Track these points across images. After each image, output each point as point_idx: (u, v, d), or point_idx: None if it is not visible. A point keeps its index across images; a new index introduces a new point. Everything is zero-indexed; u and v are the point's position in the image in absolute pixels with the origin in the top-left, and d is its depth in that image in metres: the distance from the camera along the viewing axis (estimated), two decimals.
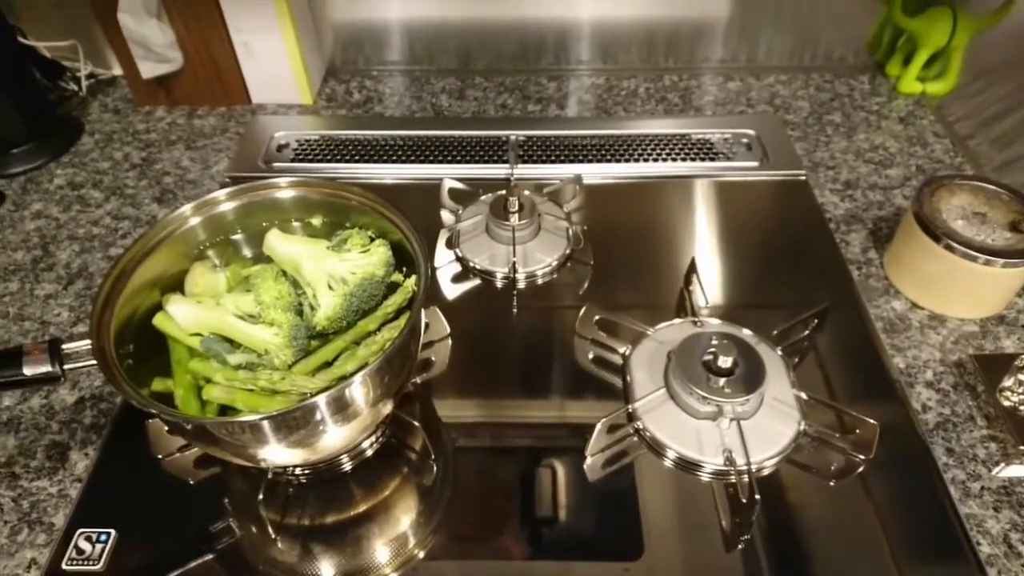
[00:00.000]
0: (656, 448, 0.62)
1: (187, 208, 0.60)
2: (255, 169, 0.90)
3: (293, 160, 0.92)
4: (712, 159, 0.91)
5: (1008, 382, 0.64)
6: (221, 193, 0.61)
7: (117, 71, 1.06)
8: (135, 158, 0.94)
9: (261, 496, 0.55)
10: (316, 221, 0.64)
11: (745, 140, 0.93)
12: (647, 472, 0.60)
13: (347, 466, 0.61)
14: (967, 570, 0.54)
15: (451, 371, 0.69)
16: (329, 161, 0.92)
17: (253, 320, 0.54)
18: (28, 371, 0.48)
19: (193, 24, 0.93)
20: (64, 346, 0.51)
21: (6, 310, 0.76)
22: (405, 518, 0.58)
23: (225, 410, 0.53)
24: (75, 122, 0.99)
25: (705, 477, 0.60)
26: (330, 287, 0.57)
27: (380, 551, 0.56)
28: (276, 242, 0.58)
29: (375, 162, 0.91)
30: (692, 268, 0.73)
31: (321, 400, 0.47)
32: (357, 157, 0.92)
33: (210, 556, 0.56)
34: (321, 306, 0.56)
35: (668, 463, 0.61)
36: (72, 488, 0.61)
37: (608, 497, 0.59)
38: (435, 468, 0.61)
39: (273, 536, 0.57)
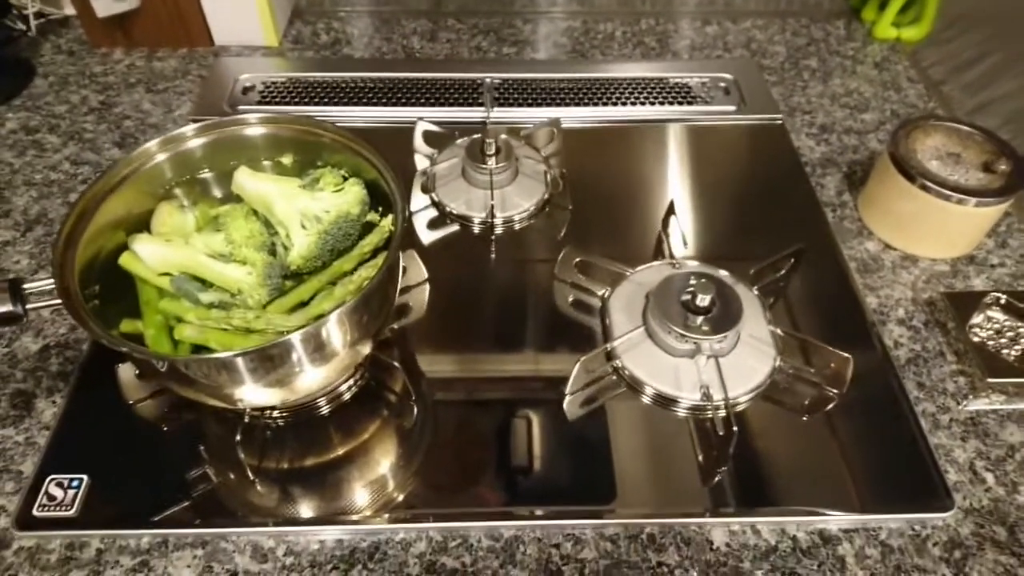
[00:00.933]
0: (634, 386, 0.62)
1: (153, 144, 0.57)
2: (220, 112, 0.87)
3: (259, 103, 0.88)
4: (690, 103, 0.90)
5: (977, 319, 0.66)
6: (188, 129, 0.58)
7: (69, 10, 1.01)
8: (93, 101, 0.90)
9: (238, 437, 0.54)
10: (287, 160, 0.62)
11: (723, 84, 0.92)
12: (626, 410, 0.61)
13: (325, 409, 0.61)
14: (936, 496, 0.56)
15: (429, 316, 0.68)
16: (297, 103, 0.89)
17: (225, 259, 0.53)
18: None
19: None
20: (26, 285, 0.48)
21: None
22: (384, 461, 0.58)
23: (199, 350, 0.51)
24: (26, 64, 0.94)
25: (682, 413, 0.61)
26: (303, 226, 0.55)
27: (359, 494, 0.56)
28: (246, 180, 0.56)
29: (345, 104, 0.89)
30: (670, 211, 0.73)
31: (297, 337, 0.46)
32: (326, 99, 0.89)
33: (186, 502, 0.55)
34: (295, 245, 0.54)
35: (646, 400, 0.61)
36: (40, 436, 0.59)
37: (587, 436, 0.59)
38: (415, 410, 0.61)
39: (251, 479, 0.56)
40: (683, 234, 0.72)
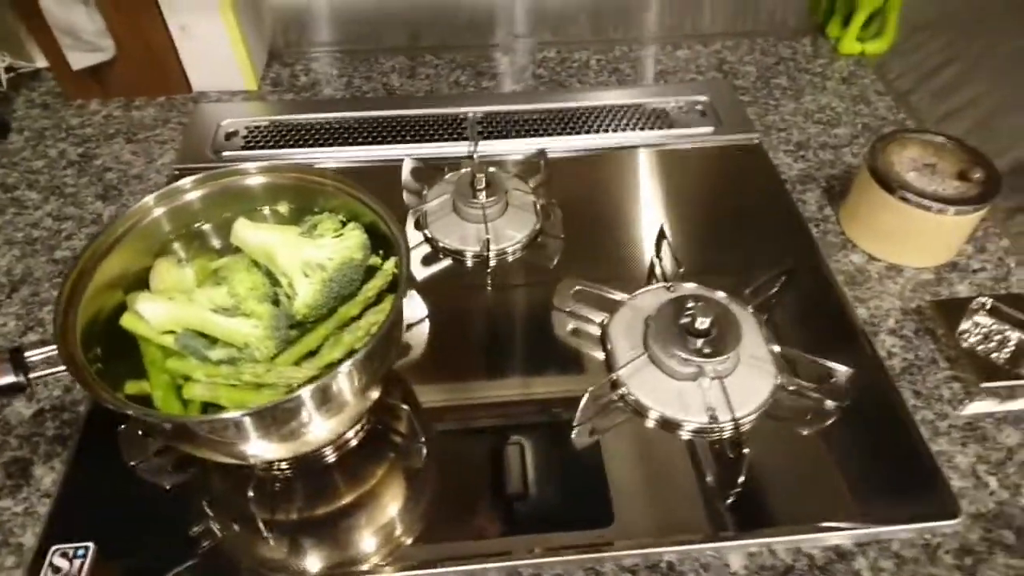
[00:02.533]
0: (640, 412, 0.62)
1: (150, 199, 0.57)
2: (204, 159, 0.86)
3: (244, 148, 0.88)
4: (669, 127, 0.92)
5: (965, 324, 0.68)
6: (186, 181, 0.58)
7: (41, 63, 1.00)
8: (71, 155, 0.89)
9: (251, 494, 0.53)
10: (283, 208, 0.62)
11: (699, 107, 0.95)
12: (633, 437, 0.61)
13: (331, 457, 0.60)
14: (943, 503, 0.57)
15: (431, 353, 0.68)
16: (281, 147, 0.89)
17: (229, 313, 0.52)
18: None
19: (125, 7, 0.88)
20: (27, 353, 0.47)
21: None
22: (393, 505, 0.57)
23: (209, 408, 0.51)
24: None
25: (689, 436, 0.61)
26: (306, 274, 0.55)
27: (369, 542, 0.55)
28: (246, 231, 0.56)
29: (329, 145, 0.89)
30: (661, 235, 0.74)
31: (308, 392, 0.46)
32: (310, 141, 0.89)
33: (194, 560, 0.54)
34: (299, 294, 0.54)
35: (652, 425, 0.62)
36: (40, 505, 0.58)
37: (596, 464, 0.59)
38: (422, 450, 0.61)
39: (263, 534, 0.55)
40: (674, 258, 0.73)
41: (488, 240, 0.74)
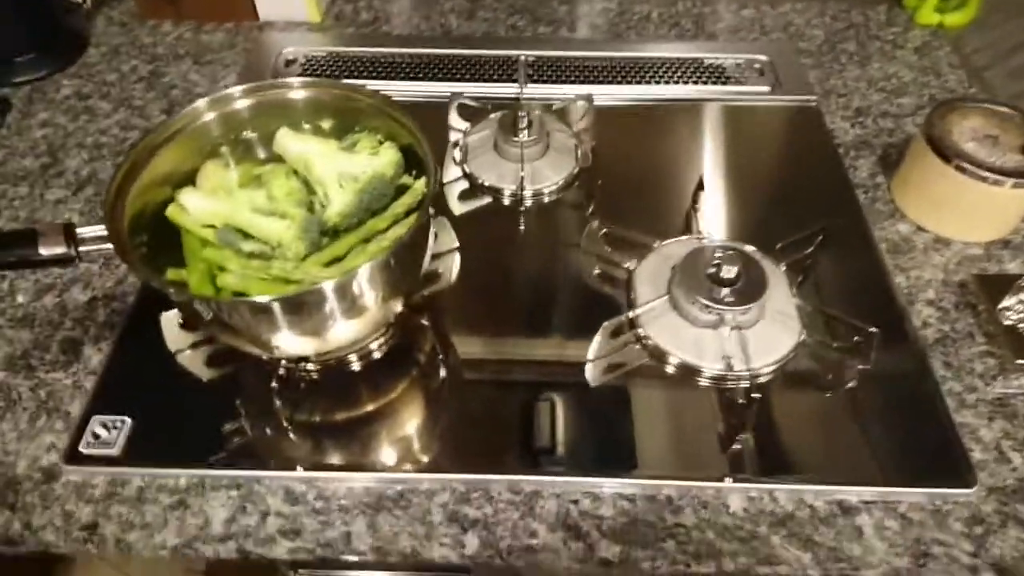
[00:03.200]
0: (657, 355, 0.63)
1: (201, 103, 0.60)
2: None
3: (301, 75, 0.91)
4: (723, 83, 0.90)
5: (1009, 301, 0.65)
6: (236, 90, 0.61)
7: None
8: (142, 71, 0.94)
9: (274, 385, 0.57)
10: (326, 124, 0.64)
11: (757, 65, 0.92)
12: (647, 378, 0.62)
13: (356, 365, 0.63)
14: (958, 473, 0.56)
15: (459, 283, 0.70)
16: (337, 76, 0.91)
17: (266, 214, 0.55)
18: (44, 251, 0.49)
19: None
20: (79, 230, 0.51)
21: (16, 213, 0.76)
22: (411, 417, 0.60)
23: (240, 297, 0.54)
24: (81, 34, 0.98)
25: (704, 382, 0.61)
26: (340, 185, 0.57)
27: (387, 447, 0.58)
28: (287, 141, 0.59)
29: (383, 79, 0.91)
30: (699, 186, 0.74)
31: (330, 286, 0.48)
32: (365, 73, 0.91)
33: (223, 446, 0.58)
34: (332, 202, 0.57)
35: (668, 369, 0.62)
36: (87, 380, 0.62)
37: (608, 402, 0.60)
38: (442, 370, 0.63)
39: (285, 426, 0.58)
40: (708, 211, 0.72)
41: (523, 178, 0.75)
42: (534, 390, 0.61)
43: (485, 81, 0.90)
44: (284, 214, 0.55)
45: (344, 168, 0.57)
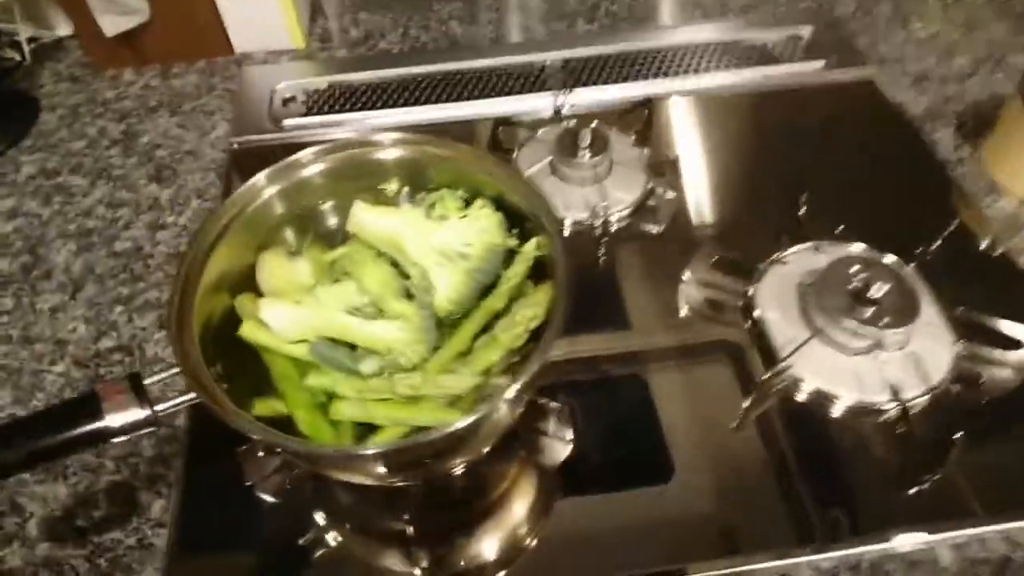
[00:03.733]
0: (807, 393, 0.56)
1: (260, 178, 0.48)
2: (263, 130, 0.77)
3: (306, 114, 0.79)
4: (770, 63, 0.82)
5: None
6: (305, 154, 0.49)
7: (62, 31, 0.89)
8: (113, 132, 0.80)
9: (400, 512, 0.47)
10: (394, 185, 0.53)
11: (802, 41, 0.85)
12: (803, 423, 0.55)
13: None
14: None
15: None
16: (346, 110, 0.79)
17: (366, 315, 0.45)
18: (113, 420, 0.38)
19: None
20: (147, 381, 0.40)
21: (6, 333, 0.63)
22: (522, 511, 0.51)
23: (359, 427, 0.44)
24: (27, 97, 0.83)
25: (868, 418, 0.55)
26: (442, 264, 0.47)
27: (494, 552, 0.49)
28: (366, 217, 0.48)
29: (397, 106, 0.80)
30: (802, 188, 0.66)
31: (505, 399, 0.38)
32: (377, 103, 0.80)
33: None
34: (438, 288, 0.47)
35: (826, 409, 0.55)
36: (155, 536, 0.51)
37: (761, 456, 0.53)
38: (571, 447, 0.54)
39: (414, 550, 0.49)
40: (807, 212, 0.65)
41: (606, 206, 0.66)
42: (669, 445, 0.53)
43: (511, 94, 0.80)
44: (390, 312, 0.45)
45: (444, 243, 0.47)
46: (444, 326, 0.48)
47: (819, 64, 0.82)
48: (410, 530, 0.50)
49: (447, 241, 0.47)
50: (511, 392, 0.38)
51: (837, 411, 0.55)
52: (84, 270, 0.67)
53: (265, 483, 0.53)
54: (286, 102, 0.81)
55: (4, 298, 0.65)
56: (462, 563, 0.48)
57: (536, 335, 0.45)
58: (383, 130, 0.52)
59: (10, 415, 0.58)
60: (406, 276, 0.49)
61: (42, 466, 0.53)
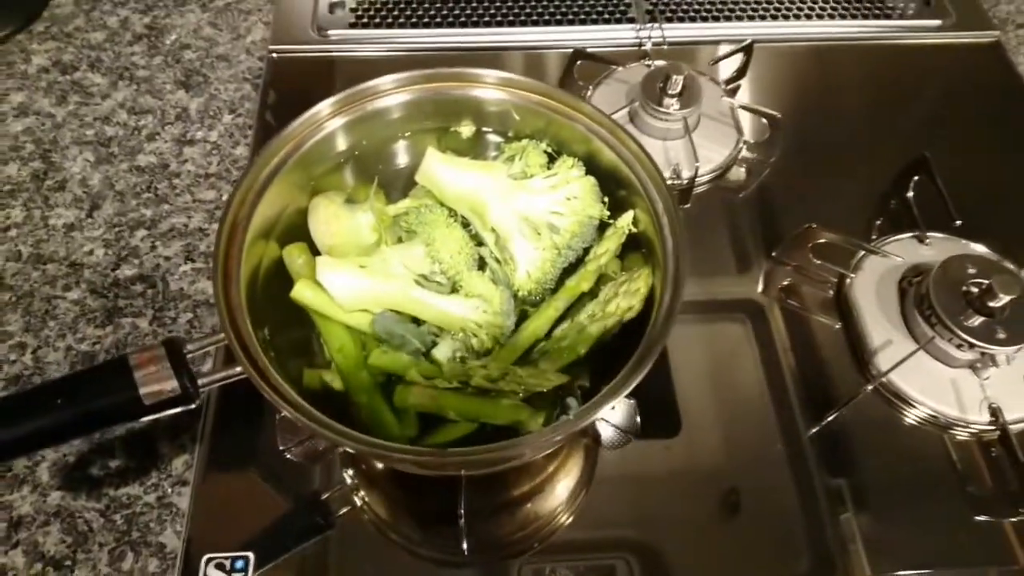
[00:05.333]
0: (901, 403, 0.50)
1: (325, 106, 0.41)
2: (306, 39, 0.68)
3: (354, 25, 0.70)
4: (887, 17, 0.72)
5: None
6: (386, 80, 0.41)
7: None
8: (136, 26, 0.71)
9: (462, 512, 0.42)
10: (466, 129, 0.46)
11: None
12: (889, 432, 0.50)
13: None
14: None
15: None
16: (402, 25, 0.70)
17: (437, 287, 0.38)
18: (146, 395, 0.32)
19: None
20: (188, 347, 0.34)
21: (16, 248, 0.57)
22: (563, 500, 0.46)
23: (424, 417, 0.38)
24: None
25: (964, 437, 0.49)
26: (524, 235, 0.40)
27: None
28: (442, 169, 0.41)
29: (461, 26, 0.70)
30: (918, 167, 0.59)
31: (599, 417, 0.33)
32: (437, 19, 0.71)
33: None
34: (519, 262, 0.40)
35: (912, 421, 0.50)
36: (175, 495, 0.47)
37: (839, 463, 0.48)
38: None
39: (463, 527, 0.44)
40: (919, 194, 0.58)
41: (697, 168, 0.59)
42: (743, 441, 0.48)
43: (594, 23, 0.71)
44: (464, 287, 0.38)
45: (527, 209, 0.40)
46: (519, 305, 0.41)
47: (937, 22, 0.72)
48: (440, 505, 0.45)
49: (530, 207, 0.40)
50: (608, 408, 0.33)
51: (917, 420, 0.50)
52: (103, 184, 0.60)
53: (299, 449, 0.48)
54: (333, 7, 0.71)
55: (13, 208, 0.59)
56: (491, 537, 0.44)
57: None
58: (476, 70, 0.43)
59: (19, 344, 0.52)
60: (479, 242, 0.42)
61: (51, 447, 0.47)
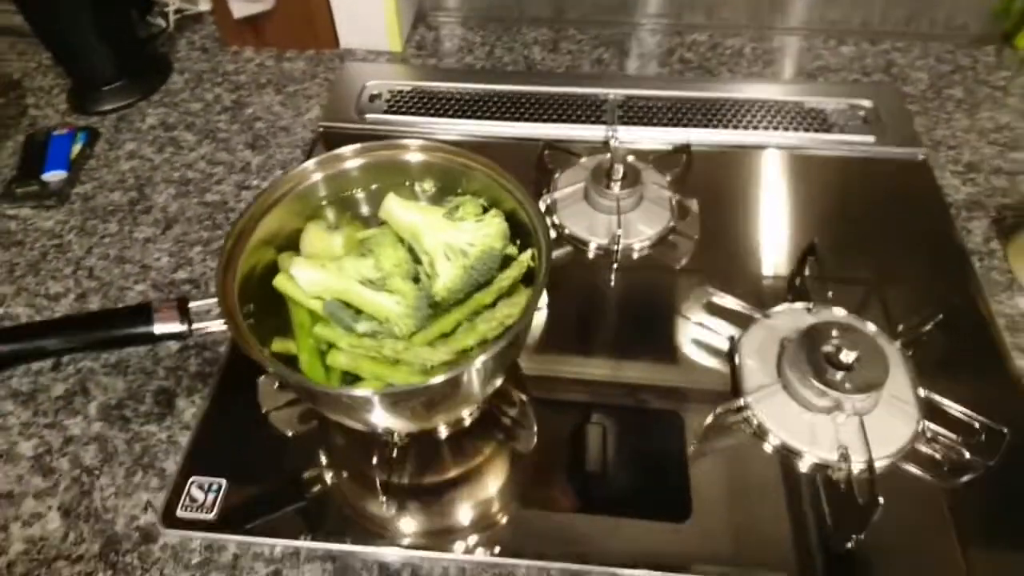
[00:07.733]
0: (761, 435, 0.60)
1: (310, 164, 0.58)
2: (348, 119, 0.88)
3: (386, 112, 0.89)
4: (825, 131, 0.86)
5: None
6: (347, 149, 0.59)
7: (203, 6, 1.04)
8: (226, 100, 0.93)
9: (374, 461, 0.55)
10: (428, 186, 0.62)
11: (861, 112, 0.88)
12: (751, 461, 0.59)
13: (443, 433, 0.61)
14: None
15: (545, 342, 0.68)
16: (422, 114, 0.89)
17: (374, 286, 0.53)
18: (158, 329, 0.48)
19: None
20: (192, 304, 0.50)
21: (106, 251, 0.76)
22: (495, 483, 0.58)
23: (346, 376, 0.52)
24: (164, 60, 0.98)
25: (810, 471, 0.58)
26: (448, 257, 0.55)
27: (480, 522, 0.56)
28: (395, 208, 0.57)
29: (468, 117, 0.89)
30: (810, 251, 0.70)
31: (443, 379, 0.46)
32: (451, 112, 0.89)
33: (316, 515, 0.57)
34: (440, 276, 0.55)
35: (769, 450, 0.59)
36: (181, 435, 0.62)
37: (710, 483, 0.58)
38: (533, 440, 0.61)
39: (381, 499, 0.57)
40: (820, 278, 0.69)
41: (619, 235, 0.72)
42: (625, 457, 0.59)
43: (572, 122, 0.88)
44: (394, 289, 0.53)
45: (452, 240, 0.55)
46: (439, 310, 0.56)
47: (871, 138, 0.85)
48: (394, 480, 0.58)
49: (454, 239, 0.55)
50: (478, 363, 0.46)
51: (771, 450, 0.59)
52: (177, 212, 0.80)
53: (278, 413, 0.63)
54: (372, 98, 0.91)
55: (110, 223, 0.79)
56: (430, 519, 0.56)
57: None
58: (427, 138, 0.61)
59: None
60: (419, 262, 0.58)
61: (97, 352, 0.66)
